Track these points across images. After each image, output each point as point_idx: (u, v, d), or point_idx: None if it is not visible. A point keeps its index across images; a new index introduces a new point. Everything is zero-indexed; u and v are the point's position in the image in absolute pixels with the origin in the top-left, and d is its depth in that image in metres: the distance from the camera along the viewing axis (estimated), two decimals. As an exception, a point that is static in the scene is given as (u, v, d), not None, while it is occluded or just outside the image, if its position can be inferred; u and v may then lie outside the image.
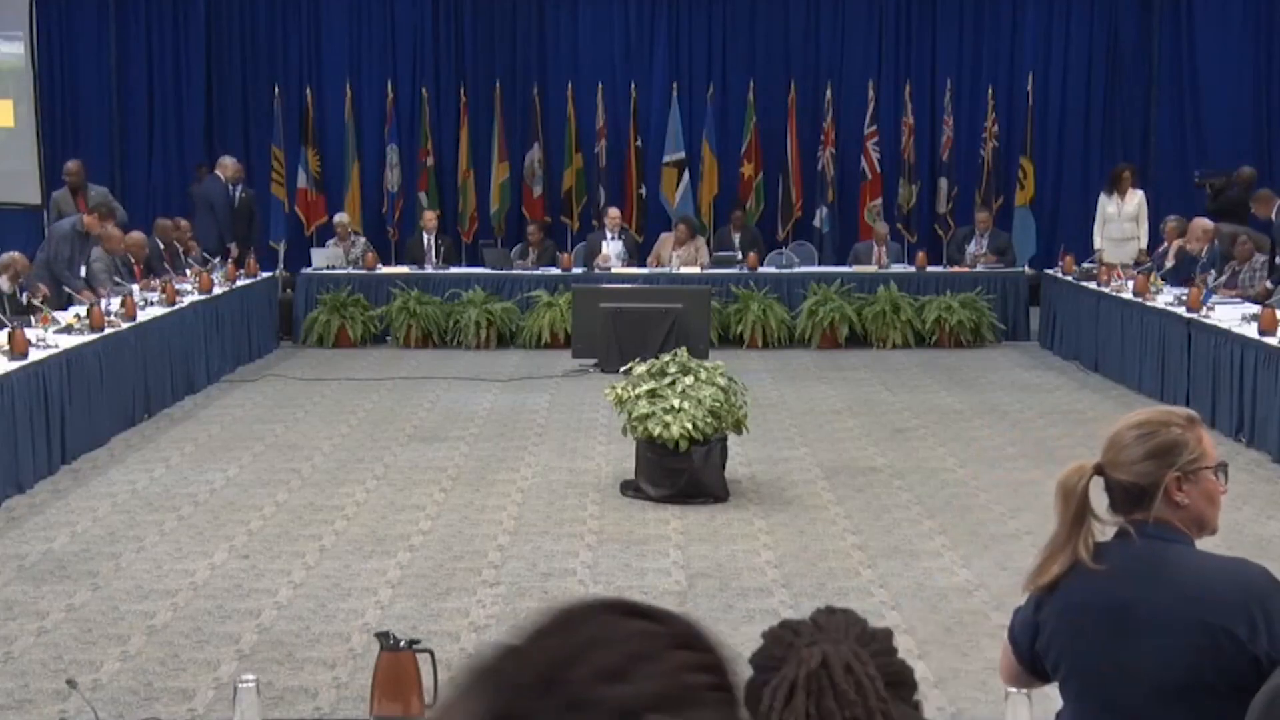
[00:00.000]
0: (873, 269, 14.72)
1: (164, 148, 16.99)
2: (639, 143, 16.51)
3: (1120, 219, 14.22)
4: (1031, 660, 3.01)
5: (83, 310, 10.15)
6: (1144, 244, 14.18)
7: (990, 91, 16.39)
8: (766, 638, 2.08)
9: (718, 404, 8.14)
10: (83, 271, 11.17)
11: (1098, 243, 14.27)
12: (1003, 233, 15.39)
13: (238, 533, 7.61)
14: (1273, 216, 12.75)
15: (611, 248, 14.97)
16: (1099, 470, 2.89)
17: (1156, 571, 2.82)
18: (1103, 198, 14.47)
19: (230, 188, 15.14)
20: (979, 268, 14.60)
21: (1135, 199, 14.25)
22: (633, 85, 16.55)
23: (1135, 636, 2.80)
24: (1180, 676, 2.72)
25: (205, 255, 13.67)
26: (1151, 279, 12.20)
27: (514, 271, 14.61)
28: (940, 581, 6.77)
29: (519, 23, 16.83)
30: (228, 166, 15.25)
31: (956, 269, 14.67)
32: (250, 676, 3.53)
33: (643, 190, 16.54)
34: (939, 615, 6.30)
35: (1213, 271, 12.23)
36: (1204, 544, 2.96)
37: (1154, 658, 2.78)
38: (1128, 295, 12.19)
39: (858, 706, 1.95)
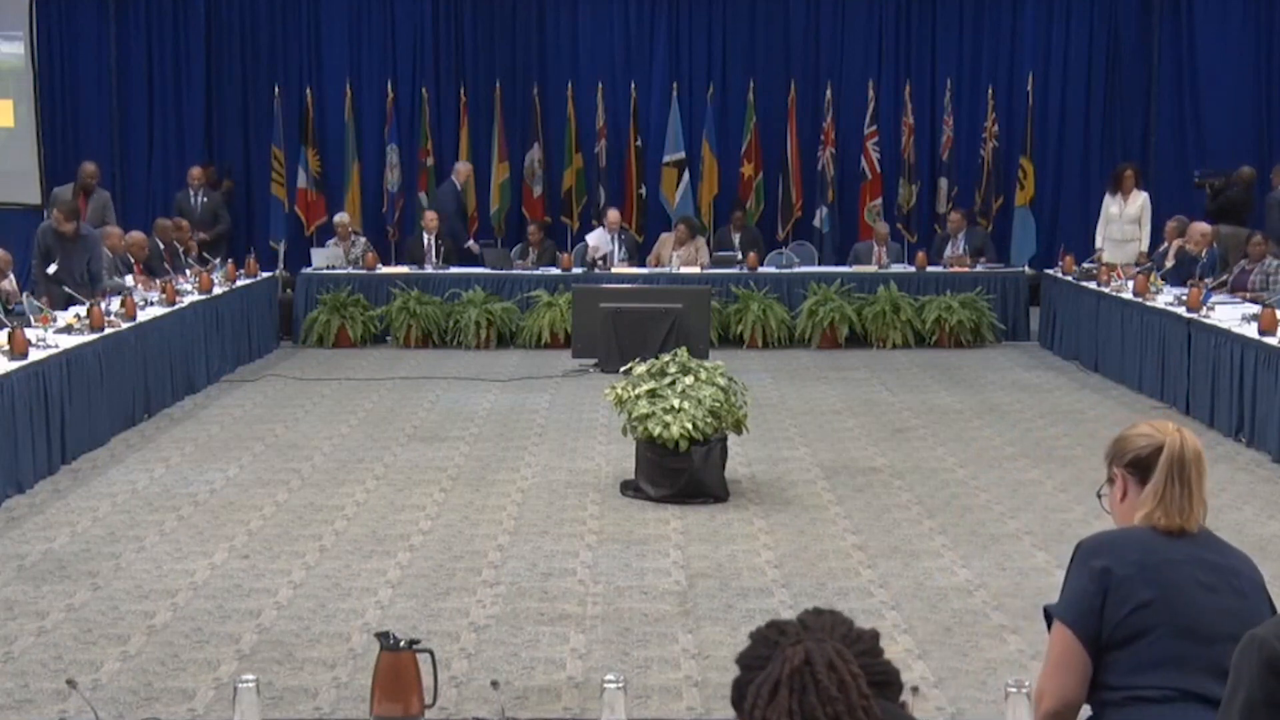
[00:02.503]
0: (873, 269, 14.71)
1: (164, 148, 16.98)
2: (639, 143, 16.51)
3: (1122, 220, 14.20)
4: (1096, 638, 3.12)
5: (83, 310, 10.14)
6: (1145, 246, 14.14)
7: (990, 91, 16.39)
8: (753, 637, 2.09)
9: (718, 404, 8.14)
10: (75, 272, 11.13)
11: (1099, 242, 14.26)
12: (980, 232, 15.37)
13: (238, 533, 7.61)
14: None
15: (600, 237, 14.99)
16: None
17: (1211, 538, 3.19)
18: (1107, 197, 14.44)
19: (462, 193, 15.82)
20: (978, 268, 14.59)
21: (1138, 201, 14.22)
22: (633, 85, 16.56)
23: (1222, 585, 3.10)
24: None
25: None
26: (1151, 279, 12.19)
27: (514, 271, 14.61)
28: (940, 581, 6.77)
29: (519, 23, 16.83)
30: (461, 172, 15.78)
31: (956, 269, 14.66)
32: (250, 676, 3.53)
33: (643, 190, 16.55)
34: (939, 615, 6.29)
35: (1208, 279, 12.20)
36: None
37: (1238, 607, 3.07)
38: (1128, 295, 12.18)
39: (840, 703, 1.95)
